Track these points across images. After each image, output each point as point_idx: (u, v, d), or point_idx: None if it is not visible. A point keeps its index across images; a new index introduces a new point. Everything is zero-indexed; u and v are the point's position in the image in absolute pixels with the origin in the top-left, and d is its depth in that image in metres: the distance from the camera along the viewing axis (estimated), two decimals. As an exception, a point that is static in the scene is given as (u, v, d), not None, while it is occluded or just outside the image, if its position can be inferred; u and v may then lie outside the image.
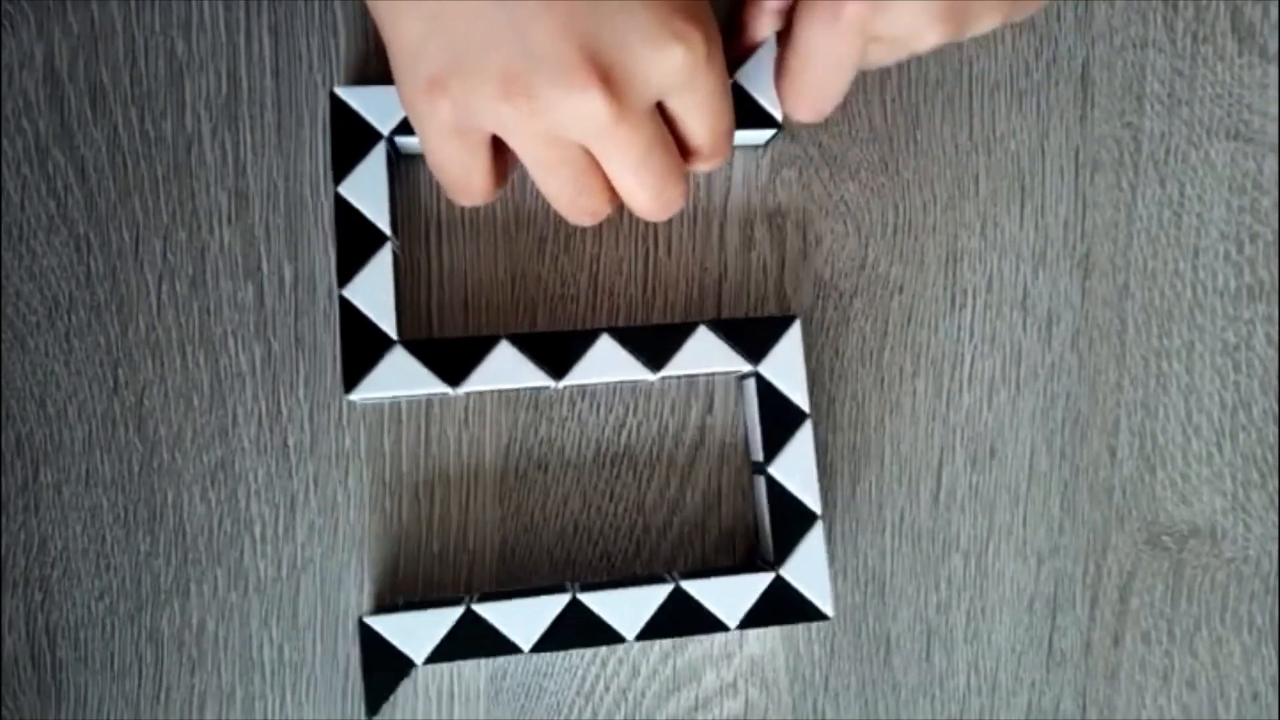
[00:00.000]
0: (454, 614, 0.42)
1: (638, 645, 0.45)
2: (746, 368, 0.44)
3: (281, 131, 0.44)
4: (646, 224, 0.46)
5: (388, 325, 0.41)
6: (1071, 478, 0.48)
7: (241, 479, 0.43)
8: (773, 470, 0.43)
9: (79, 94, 0.43)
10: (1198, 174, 0.48)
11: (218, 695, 0.43)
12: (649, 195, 0.35)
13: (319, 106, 0.44)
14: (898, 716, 0.47)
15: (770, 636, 0.46)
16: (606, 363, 0.42)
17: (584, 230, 0.45)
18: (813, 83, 0.39)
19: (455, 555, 0.44)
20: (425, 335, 0.44)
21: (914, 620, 0.47)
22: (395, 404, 0.44)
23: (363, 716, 0.44)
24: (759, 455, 0.44)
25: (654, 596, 0.42)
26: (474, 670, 0.44)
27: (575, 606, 0.42)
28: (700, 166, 0.37)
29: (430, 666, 0.44)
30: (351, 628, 0.44)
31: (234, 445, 0.43)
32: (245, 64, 0.44)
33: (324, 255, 0.44)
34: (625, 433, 0.45)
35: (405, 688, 0.44)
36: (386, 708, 0.44)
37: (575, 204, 0.36)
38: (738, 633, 0.46)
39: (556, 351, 0.42)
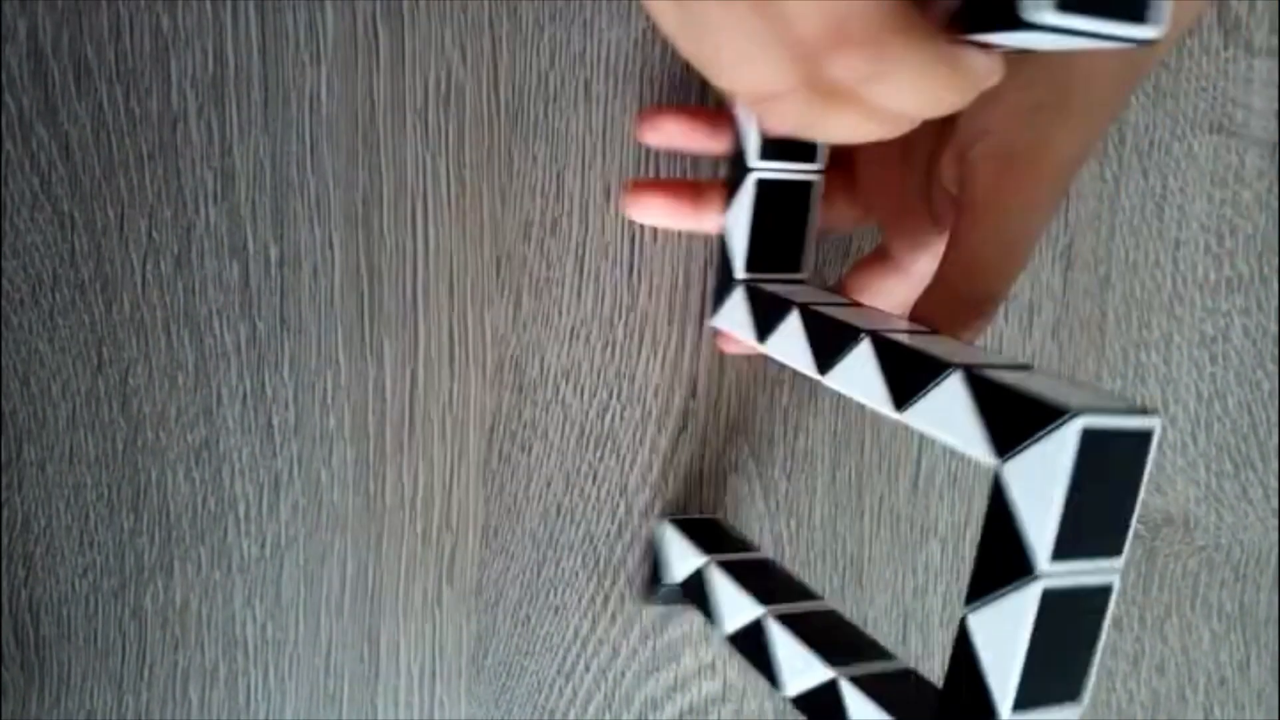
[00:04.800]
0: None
1: (617, 626, 0.46)
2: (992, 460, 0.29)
3: (268, 110, 0.43)
4: (633, 209, 0.46)
5: None
6: (1049, 466, 0.48)
7: (226, 458, 0.43)
8: None
9: (63, 69, 0.42)
10: (1180, 167, 0.49)
11: (200, 672, 0.43)
12: None
13: (306, 85, 0.44)
14: (873, 698, 0.47)
15: (749, 619, 0.46)
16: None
17: (571, 213, 0.46)
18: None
19: (438, 535, 0.45)
20: (410, 316, 0.44)
21: (891, 604, 0.47)
22: (379, 383, 0.44)
23: (346, 691, 0.44)
24: None
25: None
26: (455, 649, 0.45)
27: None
28: None
29: (413, 644, 0.44)
30: (334, 607, 0.44)
31: (218, 424, 0.43)
32: (231, 41, 0.43)
33: (309, 235, 0.44)
34: (609, 416, 0.46)
35: (388, 667, 0.44)
36: (364, 687, 0.44)
37: None
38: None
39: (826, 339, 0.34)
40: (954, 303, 0.32)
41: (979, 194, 0.32)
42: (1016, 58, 0.30)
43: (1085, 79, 0.32)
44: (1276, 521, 0.50)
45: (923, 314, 0.33)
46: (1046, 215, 0.33)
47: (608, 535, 0.46)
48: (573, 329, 0.45)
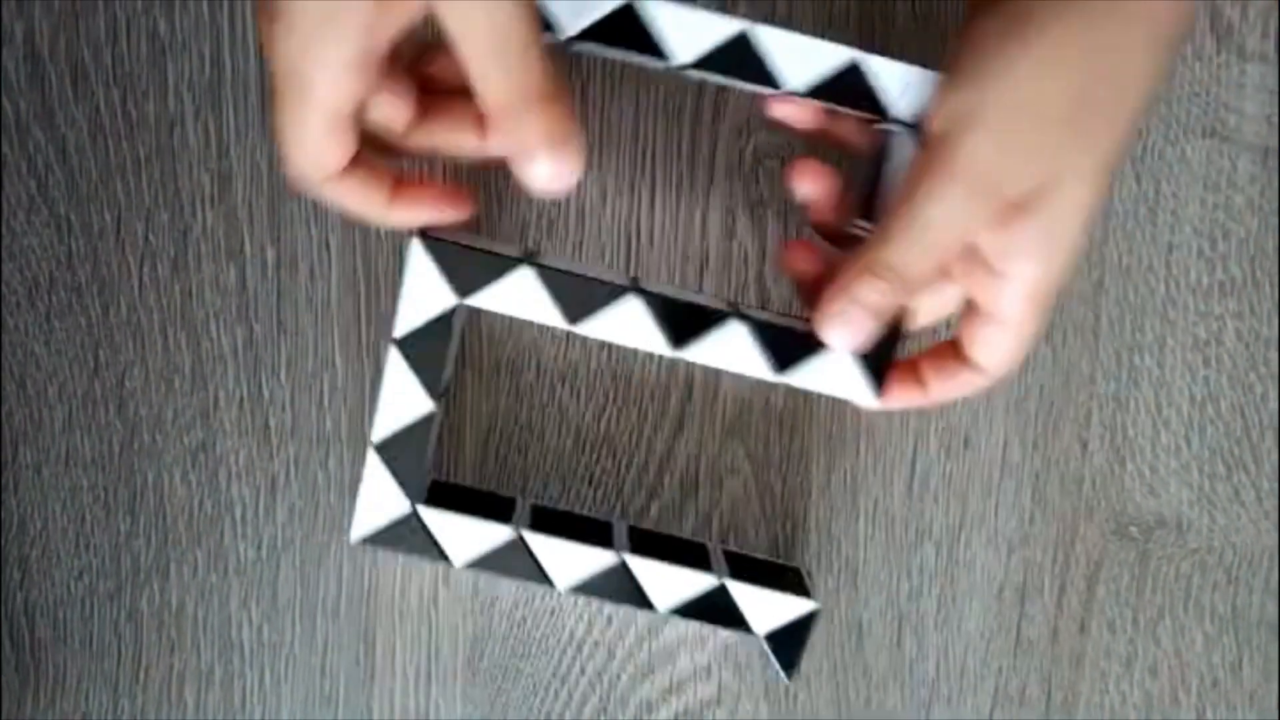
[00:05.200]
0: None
1: (613, 629, 0.46)
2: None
3: (264, 113, 0.44)
4: (630, 212, 0.46)
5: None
6: (1043, 469, 0.49)
7: (222, 461, 0.43)
8: None
9: (60, 73, 0.42)
10: (1173, 171, 0.49)
11: (196, 675, 0.43)
12: None
13: (302, 89, 0.44)
14: (868, 700, 0.47)
15: (744, 621, 0.47)
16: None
17: (567, 217, 0.46)
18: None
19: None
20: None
21: (886, 607, 0.48)
22: (376, 386, 0.44)
23: (342, 693, 0.44)
24: None
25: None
26: (451, 651, 0.45)
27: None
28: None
29: (408, 646, 0.44)
30: (330, 609, 0.44)
31: (215, 427, 0.43)
32: (228, 45, 0.43)
33: (306, 237, 0.44)
34: (605, 420, 0.46)
35: (383, 669, 0.44)
36: (360, 689, 0.44)
37: None
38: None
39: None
40: (858, 263, 0.36)
41: (908, 178, 0.36)
42: (957, 60, 0.35)
43: (1019, 95, 0.34)
44: (1269, 524, 0.50)
45: (839, 274, 0.36)
46: (963, 216, 0.35)
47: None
48: (569, 331, 0.45)
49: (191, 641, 0.43)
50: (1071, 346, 0.49)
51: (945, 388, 0.40)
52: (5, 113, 0.42)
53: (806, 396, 0.47)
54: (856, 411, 0.47)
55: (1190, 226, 0.49)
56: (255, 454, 0.44)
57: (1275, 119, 0.49)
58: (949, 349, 0.39)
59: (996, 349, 0.38)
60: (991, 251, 0.36)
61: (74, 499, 0.43)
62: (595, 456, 0.46)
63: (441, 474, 0.45)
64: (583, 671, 0.46)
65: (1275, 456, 0.50)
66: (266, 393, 0.44)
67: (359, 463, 0.44)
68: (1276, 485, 0.50)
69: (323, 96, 0.32)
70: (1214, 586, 0.50)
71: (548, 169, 0.33)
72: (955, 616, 0.48)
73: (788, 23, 0.46)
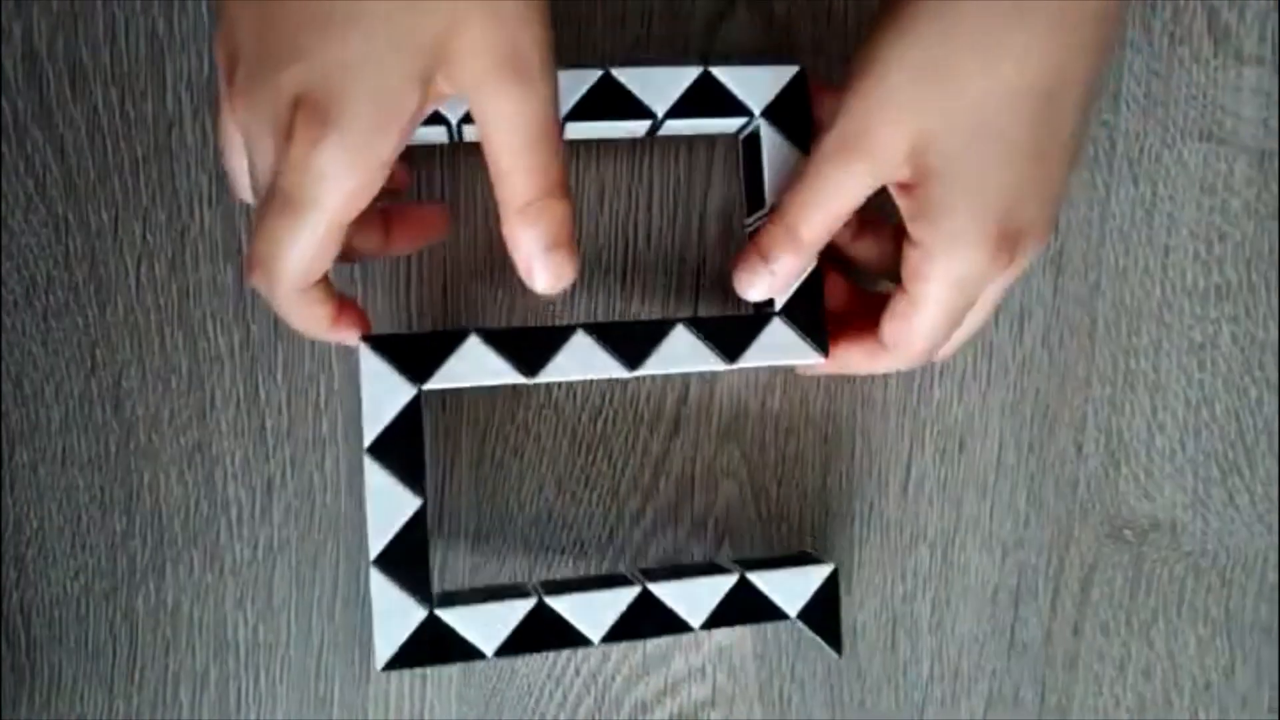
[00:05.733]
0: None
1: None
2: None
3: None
4: (627, 215, 0.46)
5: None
6: (1038, 471, 0.49)
7: (218, 461, 0.44)
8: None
9: (58, 73, 0.42)
10: (1170, 174, 0.49)
11: (192, 675, 0.43)
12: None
13: (300, 89, 0.44)
14: (862, 703, 0.48)
15: (739, 623, 0.47)
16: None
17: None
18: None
19: (430, 539, 0.45)
20: (404, 320, 0.44)
21: (880, 609, 0.48)
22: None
23: (337, 694, 0.44)
24: None
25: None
26: (447, 652, 0.45)
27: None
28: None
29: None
30: (325, 610, 0.44)
31: (211, 428, 0.43)
32: (226, 45, 0.43)
33: (303, 239, 0.44)
34: (601, 421, 0.46)
35: (379, 669, 0.44)
36: (355, 690, 0.44)
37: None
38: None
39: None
40: (769, 226, 0.39)
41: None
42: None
43: (876, 54, 0.36)
44: (1263, 528, 0.50)
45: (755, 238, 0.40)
46: (840, 170, 0.37)
47: (599, 540, 0.46)
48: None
49: (187, 642, 0.43)
50: (1067, 349, 0.49)
51: (852, 358, 0.42)
52: (3, 112, 0.42)
53: (802, 400, 0.47)
54: (852, 415, 0.47)
55: (1187, 229, 0.49)
56: (251, 455, 0.44)
57: (1272, 122, 0.50)
58: (871, 324, 0.41)
59: (899, 322, 0.39)
60: (904, 215, 0.38)
61: (70, 499, 0.43)
62: (591, 459, 0.46)
63: (437, 475, 0.45)
64: (577, 673, 0.46)
65: (1270, 460, 0.50)
66: (263, 394, 0.44)
67: (354, 464, 0.44)
68: (1272, 489, 0.50)
69: (345, 202, 0.31)
70: (1208, 590, 0.50)
71: (548, 271, 0.35)
72: (949, 619, 0.48)
73: (785, 24, 0.46)
